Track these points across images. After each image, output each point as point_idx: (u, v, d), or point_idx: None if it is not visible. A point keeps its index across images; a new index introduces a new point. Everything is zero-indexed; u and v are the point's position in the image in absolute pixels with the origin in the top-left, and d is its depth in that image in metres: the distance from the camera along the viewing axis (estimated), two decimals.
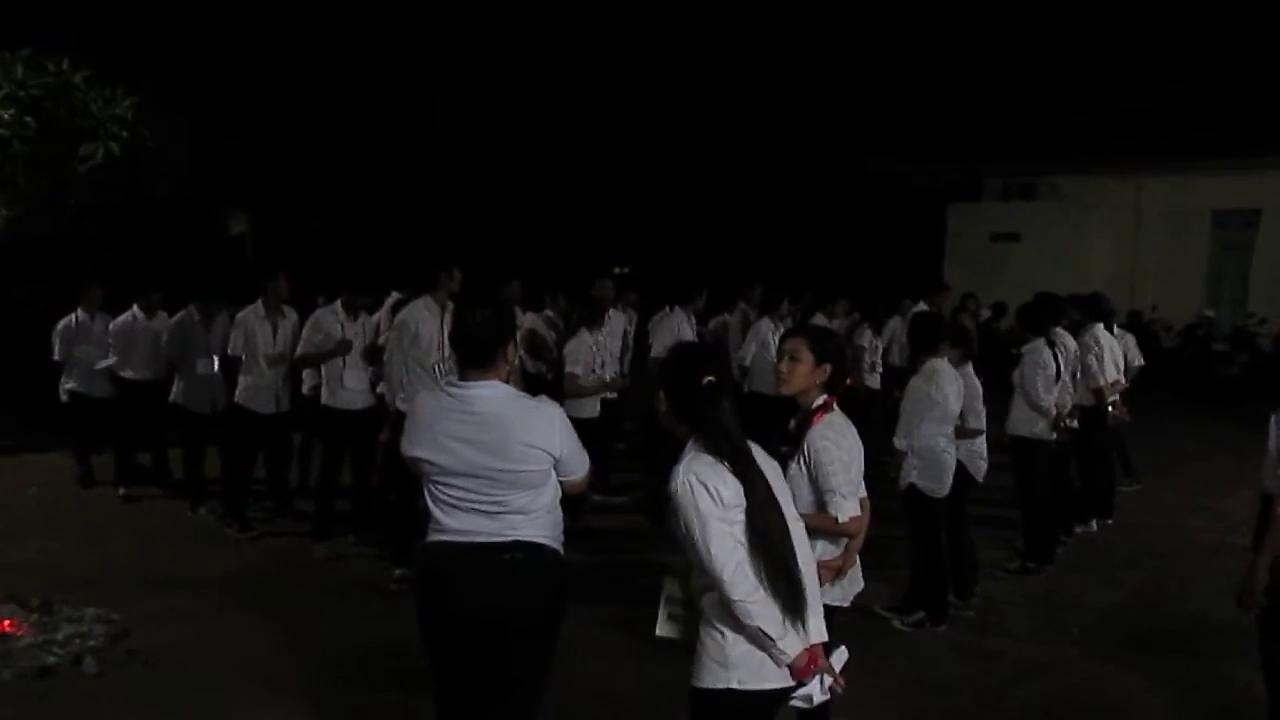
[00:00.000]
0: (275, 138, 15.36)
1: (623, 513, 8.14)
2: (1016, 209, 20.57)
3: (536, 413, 3.15)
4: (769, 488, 2.79)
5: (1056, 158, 20.45)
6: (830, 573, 3.50)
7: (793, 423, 3.67)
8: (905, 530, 5.75)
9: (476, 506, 3.09)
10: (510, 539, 3.10)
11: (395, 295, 7.60)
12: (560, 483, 3.23)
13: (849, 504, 3.51)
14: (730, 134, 20.39)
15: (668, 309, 8.99)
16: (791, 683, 2.77)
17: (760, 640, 2.72)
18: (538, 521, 3.15)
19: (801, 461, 3.54)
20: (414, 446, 3.13)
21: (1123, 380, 7.90)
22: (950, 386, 5.56)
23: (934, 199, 21.36)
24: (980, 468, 5.99)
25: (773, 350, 9.15)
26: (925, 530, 5.61)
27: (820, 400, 3.61)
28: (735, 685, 2.76)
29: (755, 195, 21.02)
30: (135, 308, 8.54)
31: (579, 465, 3.27)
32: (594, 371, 7.44)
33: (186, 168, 12.52)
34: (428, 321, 6.27)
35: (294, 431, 7.95)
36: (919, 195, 21.31)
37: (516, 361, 7.22)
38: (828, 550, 3.56)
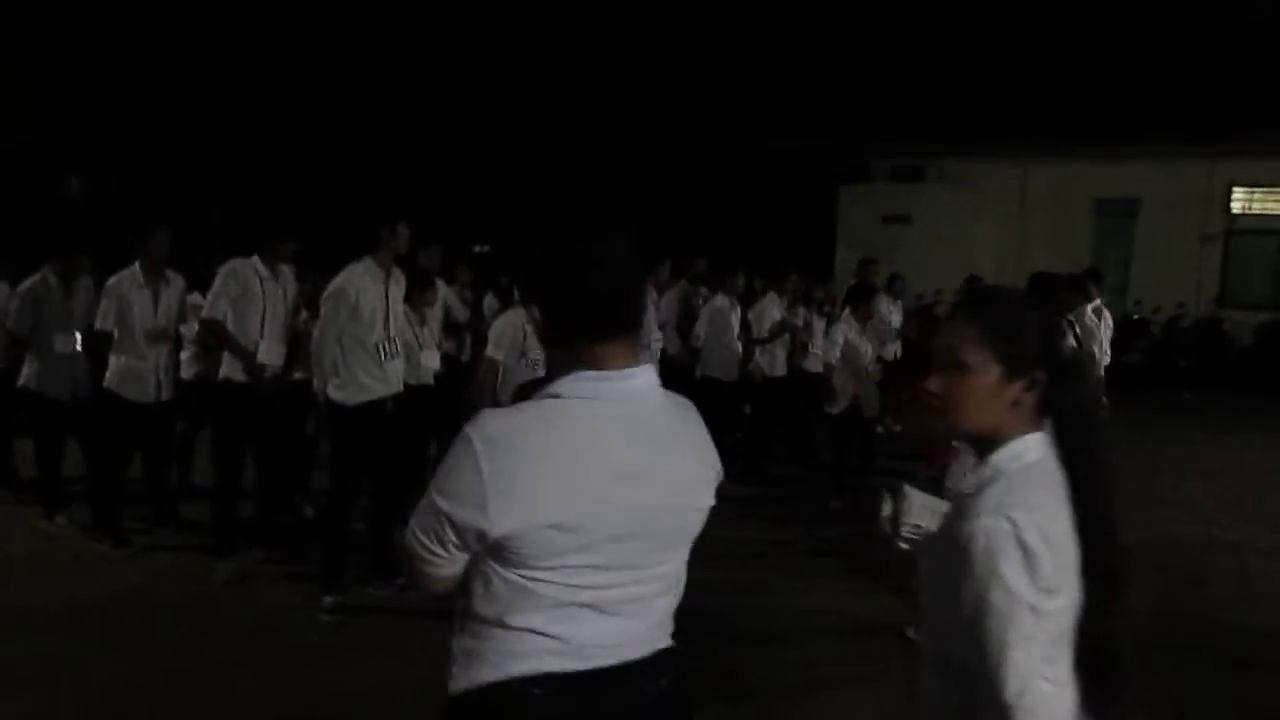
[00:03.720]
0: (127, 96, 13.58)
1: None
2: (907, 191, 20.40)
3: (688, 408, 1.94)
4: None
5: (943, 140, 20.36)
6: None
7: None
8: None
9: (625, 596, 1.75)
10: (658, 649, 1.85)
11: None
12: None
13: None
14: (634, 109, 19.44)
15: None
16: None
17: None
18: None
19: None
20: (523, 511, 1.63)
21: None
22: None
23: (826, 180, 20.99)
24: None
25: (732, 331, 8.37)
26: None
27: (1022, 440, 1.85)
28: None
29: (661, 173, 20.19)
30: None
31: None
32: (523, 356, 6.31)
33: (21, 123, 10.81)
34: (370, 289, 5.09)
35: (178, 421, 6.58)
36: (811, 176, 20.90)
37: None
38: None
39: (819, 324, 9.71)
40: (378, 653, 4.75)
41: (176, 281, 6.20)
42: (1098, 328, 7.08)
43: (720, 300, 8.24)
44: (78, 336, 6.25)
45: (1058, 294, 6.75)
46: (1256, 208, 18.99)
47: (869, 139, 20.97)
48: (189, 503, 6.65)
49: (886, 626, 4.93)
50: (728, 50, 19.83)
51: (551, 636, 1.70)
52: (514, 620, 1.70)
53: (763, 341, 8.58)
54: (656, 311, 7.42)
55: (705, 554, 2.02)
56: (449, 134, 18.78)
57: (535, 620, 1.70)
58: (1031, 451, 1.71)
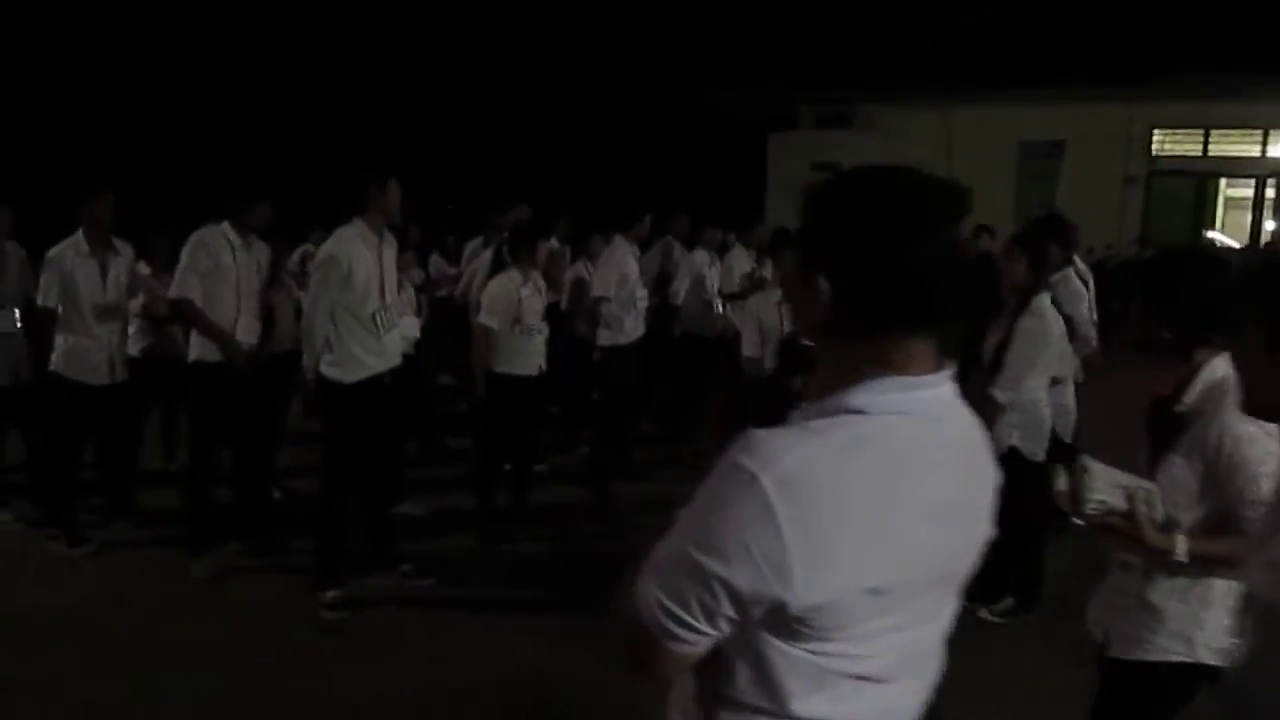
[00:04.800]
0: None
1: (550, 483, 6.72)
2: (835, 138, 20.27)
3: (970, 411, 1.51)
4: None
5: (868, 87, 20.30)
6: None
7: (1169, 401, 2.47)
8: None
9: (913, 656, 1.38)
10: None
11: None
12: None
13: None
14: (566, 61, 18.84)
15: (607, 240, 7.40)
16: None
17: None
18: None
19: (1198, 456, 2.35)
20: (837, 576, 1.21)
21: None
22: (1056, 324, 4.61)
23: (754, 129, 20.74)
24: (1069, 424, 5.09)
25: (709, 286, 8.05)
26: (1026, 501, 4.63)
27: (1214, 362, 2.42)
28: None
29: (581, 126, 19.63)
30: None
31: None
32: (517, 323, 5.88)
33: None
34: (363, 256, 4.62)
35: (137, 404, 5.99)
36: (739, 126, 20.62)
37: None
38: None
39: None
40: (391, 651, 4.38)
41: (125, 251, 5.60)
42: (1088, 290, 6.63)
43: (699, 255, 7.91)
44: (16, 314, 5.60)
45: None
46: (1176, 149, 19.37)
47: (796, 86, 20.80)
48: (143, 491, 6.11)
49: None
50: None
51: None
52: (800, 708, 1.29)
53: (734, 296, 8.30)
54: (640, 268, 7.02)
55: None
56: (384, 89, 17.92)
57: (821, 706, 1.29)
58: None
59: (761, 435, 1.24)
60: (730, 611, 1.22)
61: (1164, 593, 2.37)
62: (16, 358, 5.62)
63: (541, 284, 6.06)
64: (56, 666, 4.10)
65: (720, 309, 7.91)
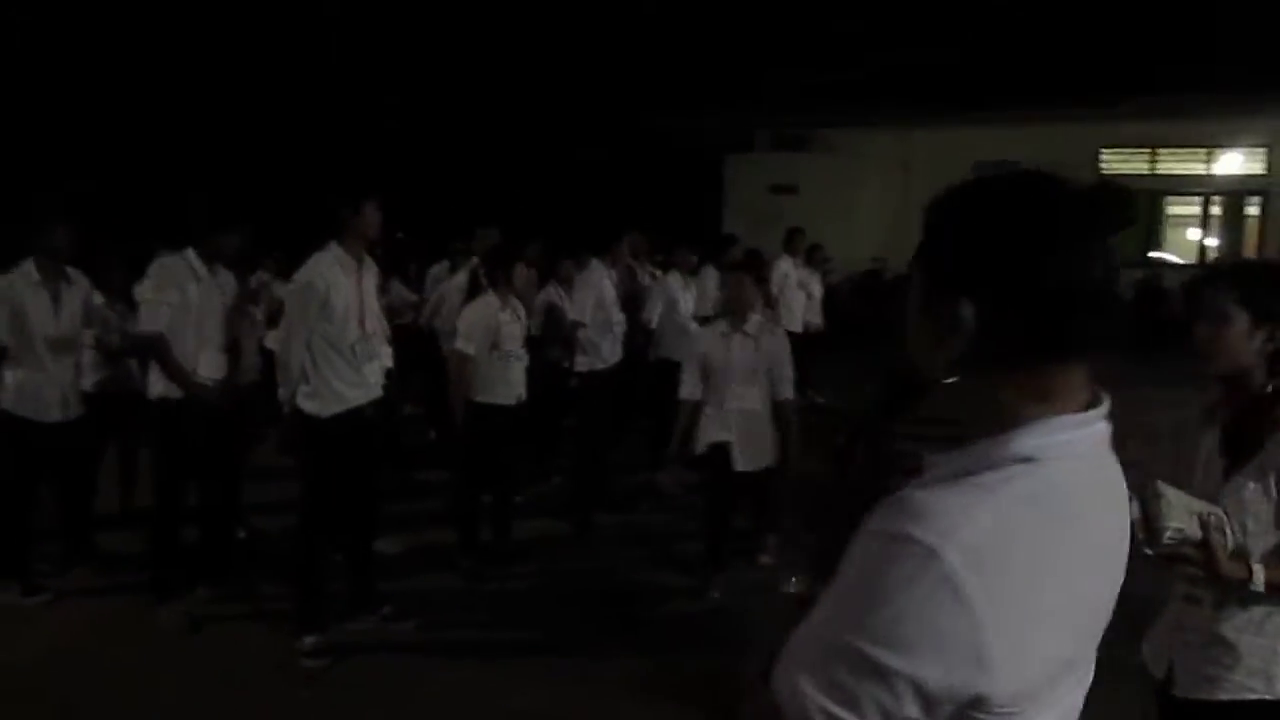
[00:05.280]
0: None
1: (528, 516, 6.45)
2: (792, 160, 20.31)
3: None
4: None
5: (825, 109, 20.41)
6: None
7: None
8: None
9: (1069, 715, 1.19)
10: None
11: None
12: None
13: None
14: (522, 86, 18.70)
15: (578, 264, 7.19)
16: None
17: None
18: None
19: (1271, 479, 2.21)
20: (1037, 657, 1.03)
21: None
22: None
23: (711, 153, 20.75)
24: None
25: (683, 310, 7.86)
26: None
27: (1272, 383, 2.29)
28: None
29: (537, 152, 19.48)
30: None
31: None
32: (495, 349, 5.65)
33: None
34: (340, 283, 4.38)
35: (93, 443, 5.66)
36: (696, 150, 20.62)
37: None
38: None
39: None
40: (376, 702, 4.12)
41: (80, 281, 5.30)
42: None
43: (673, 278, 7.74)
44: None
45: None
46: (1124, 168, 19.65)
47: (753, 110, 20.85)
48: (100, 534, 5.78)
49: None
50: (614, 26, 19.33)
51: None
52: None
53: (708, 319, 8.15)
54: (618, 291, 6.84)
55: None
56: (332, 110, 17.61)
57: None
58: None
59: (926, 497, 1.03)
60: (915, 713, 1.00)
61: (1238, 626, 2.22)
62: None
63: (520, 309, 5.85)
64: None
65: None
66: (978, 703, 1.01)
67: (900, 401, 1.28)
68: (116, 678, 4.26)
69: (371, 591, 4.83)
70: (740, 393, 5.09)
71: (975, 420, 1.12)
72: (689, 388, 5.25)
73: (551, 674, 4.35)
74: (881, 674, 0.98)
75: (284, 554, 5.52)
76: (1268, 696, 2.22)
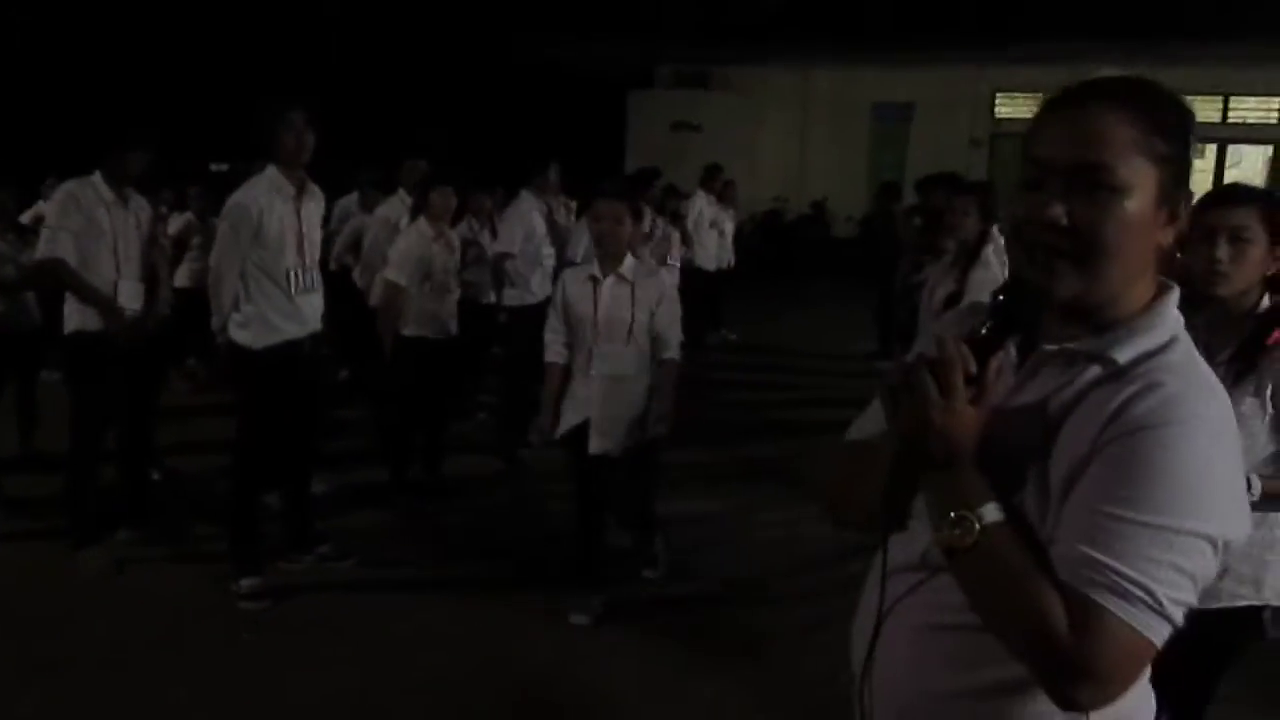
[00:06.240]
0: None
1: (455, 452, 6.29)
2: (693, 98, 20.18)
3: None
4: None
5: (727, 46, 20.27)
6: None
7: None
8: None
9: None
10: None
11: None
12: None
13: None
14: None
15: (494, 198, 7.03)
16: None
17: None
18: None
19: (1265, 397, 2.28)
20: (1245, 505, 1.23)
21: None
22: (1003, 275, 4.58)
23: (612, 89, 20.46)
24: None
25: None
26: None
27: (1267, 303, 2.35)
28: None
29: (435, 84, 18.88)
30: None
31: None
32: (428, 279, 5.48)
33: None
34: (277, 207, 4.15)
35: None
36: (596, 85, 20.29)
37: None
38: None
39: (675, 235, 9.33)
40: (323, 641, 3.99)
41: None
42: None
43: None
44: None
45: None
46: (1016, 112, 20.14)
47: (653, 44, 20.57)
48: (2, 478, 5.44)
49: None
50: None
51: None
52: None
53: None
54: (552, 229, 6.65)
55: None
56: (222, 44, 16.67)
57: None
58: None
59: (1175, 384, 1.18)
60: (1209, 568, 1.17)
61: None
62: None
63: (454, 239, 5.67)
64: None
65: None
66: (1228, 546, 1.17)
67: (1026, 312, 1.27)
68: (39, 627, 4.02)
69: (309, 530, 4.67)
70: (607, 352, 4.07)
71: None
72: (552, 348, 4.23)
73: (496, 605, 4.28)
74: (1212, 543, 1.15)
75: (204, 495, 5.34)
76: (1256, 602, 2.32)
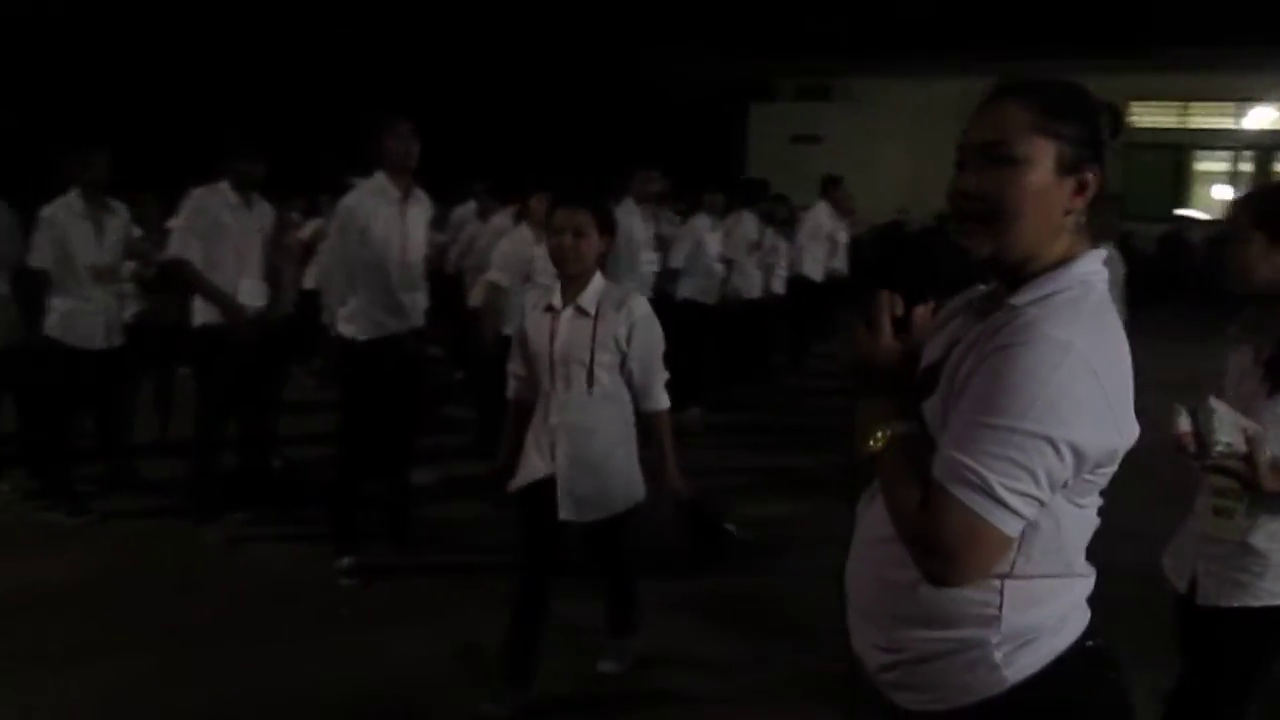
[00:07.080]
0: None
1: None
2: (814, 110, 20.20)
3: None
4: None
5: (846, 57, 20.22)
6: None
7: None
8: None
9: None
10: None
11: None
12: None
13: None
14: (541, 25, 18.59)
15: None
16: None
17: None
18: None
19: None
20: (1127, 419, 1.42)
21: None
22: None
23: (734, 103, 20.66)
24: None
25: (711, 252, 7.90)
26: None
27: None
28: None
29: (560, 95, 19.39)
30: None
31: None
32: (528, 281, 5.71)
33: None
34: (382, 211, 4.45)
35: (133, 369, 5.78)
36: (719, 100, 20.51)
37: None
38: None
39: (783, 244, 9.40)
40: (413, 617, 4.25)
41: (121, 212, 5.40)
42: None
43: (700, 220, 7.78)
44: (6, 277, 5.38)
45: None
46: (1151, 122, 19.47)
47: (776, 58, 20.68)
48: (139, 461, 5.94)
49: None
50: None
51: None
52: (1077, 564, 1.49)
53: (730, 262, 8.21)
54: (647, 230, 6.86)
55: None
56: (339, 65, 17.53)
57: (1081, 561, 1.51)
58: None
59: (1039, 314, 1.37)
60: (1070, 475, 1.34)
61: (1267, 536, 2.32)
62: (7, 320, 5.39)
63: None
64: (69, 640, 3.93)
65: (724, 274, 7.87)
66: (1111, 456, 1.38)
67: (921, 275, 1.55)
68: (162, 591, 4.41)
69: (405, 518, 4.95)
70: (565, 400, 3.25)
71: None
72: (510, 383, 3.46)
73: (586, 591, 4.45)
74: (1051, 443, 1.30)
75: (318, 484, 5.69)
76: None
